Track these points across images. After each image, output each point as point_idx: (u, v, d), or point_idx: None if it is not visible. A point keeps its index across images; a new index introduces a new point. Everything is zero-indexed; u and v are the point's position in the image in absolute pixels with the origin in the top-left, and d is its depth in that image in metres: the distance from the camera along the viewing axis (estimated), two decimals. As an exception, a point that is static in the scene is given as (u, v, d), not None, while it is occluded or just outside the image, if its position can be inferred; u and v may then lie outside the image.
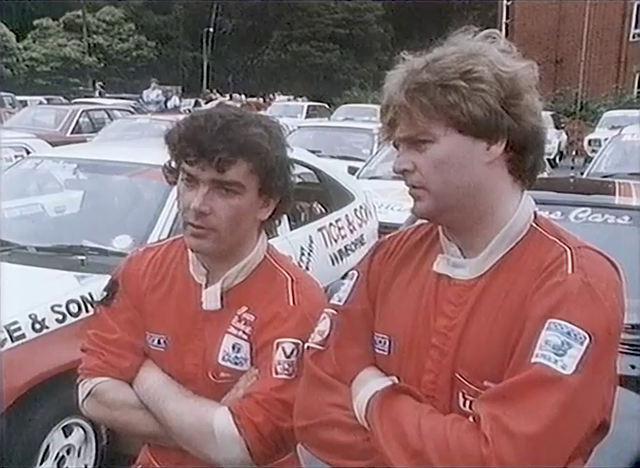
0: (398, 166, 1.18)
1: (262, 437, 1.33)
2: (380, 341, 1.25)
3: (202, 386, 1.42)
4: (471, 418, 1.06)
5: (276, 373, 1.35)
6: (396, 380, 1.20)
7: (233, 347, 1.41)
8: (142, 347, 1.49)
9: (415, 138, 1.14)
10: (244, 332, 1.41)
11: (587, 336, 1.04)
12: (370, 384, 1.20)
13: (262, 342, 1.39)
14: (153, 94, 19.83)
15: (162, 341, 1.47)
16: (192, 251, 1.44)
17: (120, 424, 1.51)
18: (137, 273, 1.51)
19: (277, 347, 1.37)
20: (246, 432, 1.32)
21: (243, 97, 30.18)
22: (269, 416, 1.33)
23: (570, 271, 1.10)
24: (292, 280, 1.44)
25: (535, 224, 1.19)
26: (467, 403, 1.14)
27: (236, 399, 1.37)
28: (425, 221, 1.29)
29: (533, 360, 1.04)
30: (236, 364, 1.41)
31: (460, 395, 1.15)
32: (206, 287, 1.44)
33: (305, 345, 1.31)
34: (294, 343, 1.37)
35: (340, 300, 1.31)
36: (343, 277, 4.49)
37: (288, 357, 1.36)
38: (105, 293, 1.54)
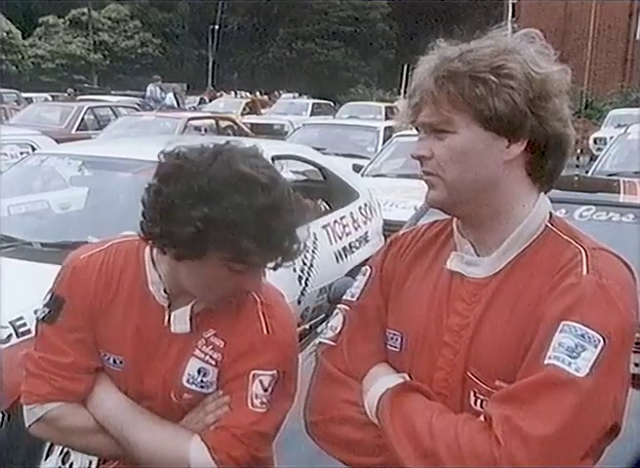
0: (416, 151, 1.17)
1: None
2: (392, 338, 1.25)
3: (161, 404, 1.38)
4: (482, 418, 1.06)
5: (252, 406, 1.32)
6: (407, 378, 1.20)
7: (199, 371, 1.36)
8: (96, 367, 1.40)
9: (436, 126, 1.14)
10: (211, 357, 1.36)
11: (601, 339, 1.03)
12: (381, 381, 1.19)
13: (237, 372, 1.34)
14: (157, 90, 19.84)
15: (118, 361, 1.40)
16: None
17: (79, 448, 1.48)
18: (86, 289, 1.39)
19: (254, 379, 1.33)
20: (224, 466, 1.30)
21: (248, 94, 30.19)
22: (248, 449, 1.31)
23: (585, 272, 1.09)
24: (261, 302, 1.38)
25: (550, 224, 1.18)
26: (479, 402, 1.13)
27: (206, 424, 1.34)
28: (440, 219, 1.28)
29: (546, 362, 1.04)
30: (202, 387, 1.37)
31: (472, 394, 1.15)
32: (168, 307, 1.37)
33: (317, 340, 1.31)
34: (271, 375, 1.34)
35: (352, 296, 1.31)
36: (348, 274, 4.48)
37: (266, 390, 1.33)
38: (48, 310, 1.40)
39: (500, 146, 1.12)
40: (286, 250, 1.25)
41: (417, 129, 1.19)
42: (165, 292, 1.36)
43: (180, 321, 1.36)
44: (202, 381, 1.37)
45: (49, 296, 1.43)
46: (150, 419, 1.37)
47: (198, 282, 1.30)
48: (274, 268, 1.29)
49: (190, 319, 1.36)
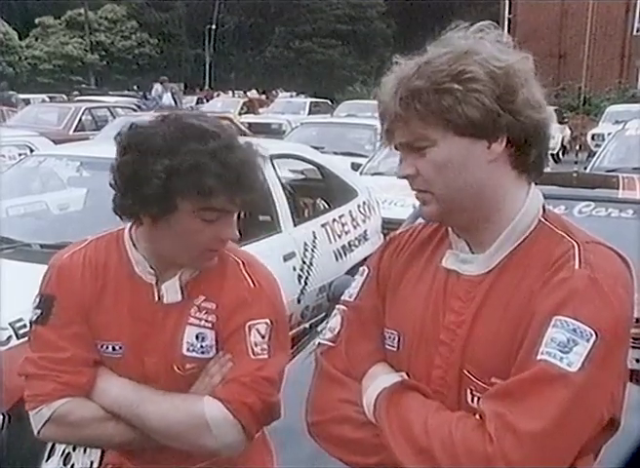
0: (401, 171, 1.18)
1: (256, 415, 1.36)
2: (390, 337, 1.25)
3: (166, 381, 1.41)
4: (477, 416, 1.06)
5: (254, 354, 1.38)
6: (405, 376, 1.20)
7: (197, 337, 1.42)
8: (94, 359, 1.44)
9: (414, 144, 1.14)
10: (206, 321, 1.42)
11: (594, 333, 1.03)
12: (379, 380, 1.20)
13: (233, 327, 1.40)
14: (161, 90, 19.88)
15: (117, 347, 1.43)
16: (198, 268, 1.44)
17: (91, 440, 1.51)
18: (73, 283, 1.44)
19: (250, 329, 1.39)
20: (240, 414, 1.34)
21: (242, 93, 30.18)
22: (259, 395, 1.36)
23: (577, 267, 1.09)
24: (242, 263, 1.47)
25: (543, 219, 1.18)
26: (475, 399, 1.13)
27: (213, 385, 1.38)
28: None
29: (538, 357, 1.04)
30: (202, 353, 1.42)
31: (468, 391, 1.15)
32: (156, 284, 1.43)
33: (316, 341, 1.32)
34: (265, 323, 1.40)
35: (350, 296, 1.31)
36: (347, 272, 4.48)
37: (263, 337, 1.39)
38: (40, 311, 1.44)
39: (481, 148, 1.12)
40: (244, 183, 1.34)
41: (396, 148, 1.19)
42: (151, 268, 1.42)
43: (170, 291, 1.42)
44: (202, 347, 1.42)
45: (38, 298, 1.46)
46: (159, 393, 1.40)
47: (177, 242, 1.37)
48: (242, 209, 1.39)
49: (180, 289, 1.42)
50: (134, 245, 1.45)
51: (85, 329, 1.43)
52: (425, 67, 1.11)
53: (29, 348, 1.47)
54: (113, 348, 1.44)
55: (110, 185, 1.38)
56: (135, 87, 31.71)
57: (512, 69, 1.11)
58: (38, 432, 1.43)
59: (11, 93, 17.77)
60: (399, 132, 1.14)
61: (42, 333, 1.43)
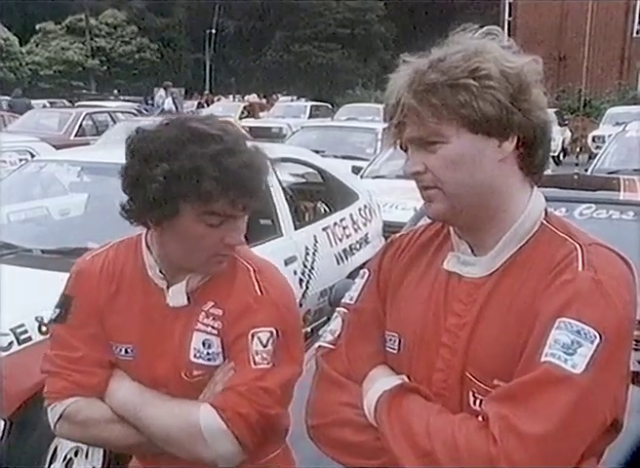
0: (409, 168, 1.16)
1: (250, 427, 1.32)
2: (391, 340, 1.25)
3: (175, 387, 1.41)
4: (480, 418, 1.06)
5: (255, 364, 1.35)
6: (406, 379, 1.20)
7: (204, 343, 1.40)
8: (109, 360, 1.45)
9: (427, 139, 1.13)
10: (213, 328, 1.41)
11: (598, 335, 1.03)
12: (379, 383, 1.19)
13: (236, 334, 1.38)
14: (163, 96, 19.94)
15: (129, 350, 1.44)
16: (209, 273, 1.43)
17: (100, 441, 1.51)
18: (90, 285, 1.47)
19: (252, 338, 1.37)
20: (233, 424, 1.31)
21: (247, 97, 30.21)
22: (254, 406, 1.33)
23: (580, 269, 1.09)
24: (254, 270, 1.44)
25: (545, 221, 1.18)
26: (478, 402, 1.13)
27: (216, 394, 1.36)
28: None
29: (542, 359, 1.04)
30: (209, 360, 1.40)
31: (471, 394, 1.14)
32: (167, 289, 1.43)
33: (317, 344, 1.31)
34: (269, 332, 1.37)
35: (351, 299, 1.31)
36: (348, 276, 4.46)
37: (265, 346, 1.36)
38: (58, 311, 1.48)
39: (493, 147, 1.12)
40: (246, 187, 1.32)
41: (402, 148, 1.18)
42: (161, 272, 1.43)
43: (176, 295, 1.42)
44: (208, 353, 1.41)
45: (59, 298, 1.50)
46: (163, 398, 1.40)
47: (183, 246, 1.37)
48: (247, 213, 1.37)
49: (188, 294, 1.42)
50: (149, 249, 1.45)
51: (99, 330, 1.45)
52: (440, 64, 1.11)
53: (50, 345, 1.51)
54: (125, 351, 1.45)
55: (122, 190, 1.38)
56: (115, 91, 31.71)
57: (524, 70, 1.12)
58: (54, 428, 1.46)
59: (26, 100, 17.76)
60: (411, 126, 1.13)
61: (59, 332, 1.47)
